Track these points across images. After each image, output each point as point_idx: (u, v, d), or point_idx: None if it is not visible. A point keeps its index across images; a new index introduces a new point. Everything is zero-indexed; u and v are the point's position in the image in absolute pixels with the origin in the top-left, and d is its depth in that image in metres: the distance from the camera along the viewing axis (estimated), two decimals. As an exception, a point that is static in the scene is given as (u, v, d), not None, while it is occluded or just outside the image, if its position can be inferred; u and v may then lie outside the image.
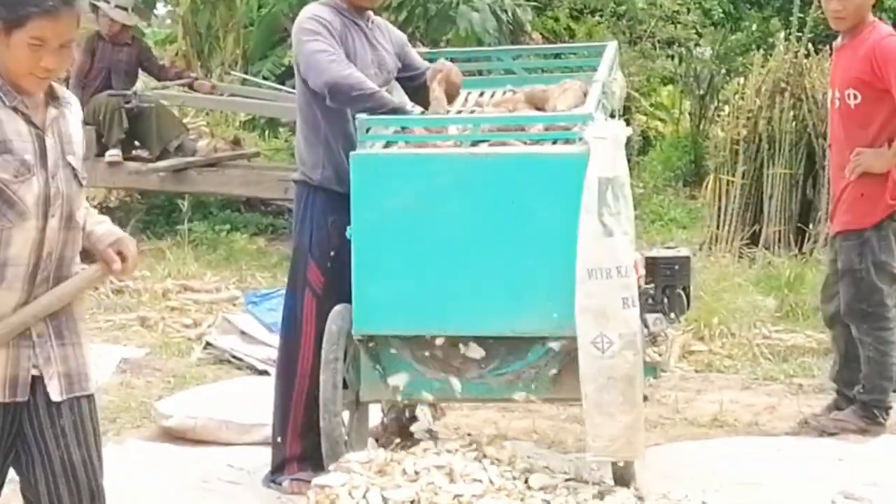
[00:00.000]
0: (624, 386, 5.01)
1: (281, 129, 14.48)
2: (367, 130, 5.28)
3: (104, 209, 12.86)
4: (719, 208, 11.24)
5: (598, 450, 5.09)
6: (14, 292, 3.62)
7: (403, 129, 5.44)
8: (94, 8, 12.10)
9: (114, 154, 11.76)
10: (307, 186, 5.62)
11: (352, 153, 5.23)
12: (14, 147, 3.60)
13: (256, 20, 14.23)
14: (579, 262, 4.98)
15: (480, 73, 6.41)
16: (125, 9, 12.12)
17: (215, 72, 14.92)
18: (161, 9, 16.49)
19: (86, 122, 11.77)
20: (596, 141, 5.02)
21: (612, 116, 5.68)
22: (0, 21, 3.54)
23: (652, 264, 5.66)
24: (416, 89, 5.79)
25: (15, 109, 3.62)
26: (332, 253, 5.44)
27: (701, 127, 16.06)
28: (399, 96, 5.73)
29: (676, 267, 5.70)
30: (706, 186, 11.73)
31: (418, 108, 5.65)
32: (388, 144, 5.38)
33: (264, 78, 12.72)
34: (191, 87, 12.44)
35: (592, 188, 4.96)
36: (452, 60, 6.38)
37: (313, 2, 5.72)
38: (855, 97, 6.37)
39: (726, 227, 11.06)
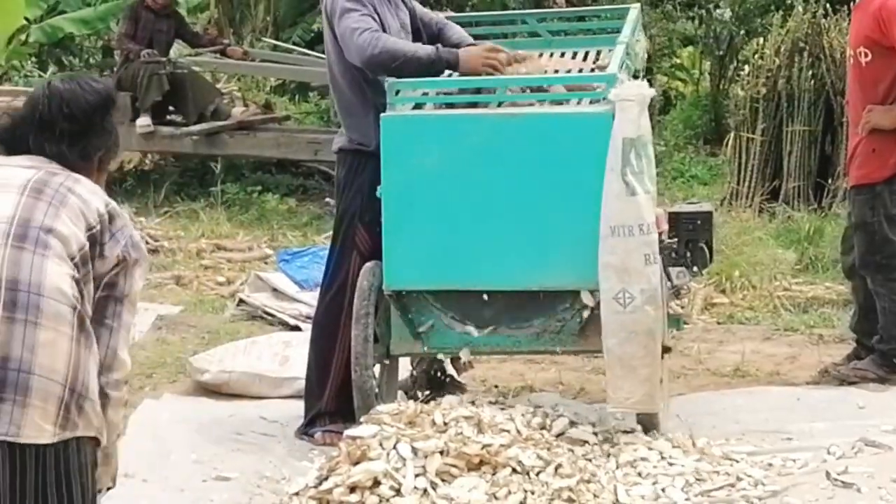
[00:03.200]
0: (645, 340, 5.13)
1: (311, 94, 14.59)
2: (397, 93, 5.40)
3: (139, 172, 13.07)
4: (740, 165, 11.27)
5: (619, 402, 5.22)
6: None
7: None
8: None
9: (145, 124, 11.94)
10: (359, 154, 5.65)
11: (382, 115, 5.36)
12: None
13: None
14: (603, 219, 5.10)
15: (506, 36, 6.50)
16: None
17: (246, 39, 15.05)
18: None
19: (121, 88, 12.14)
20: (621, 102, 5.11)
21: (636, 77, 5.79)
22: None
23: (675, 219, 5.76)
24: (429, 41, 5.89)
25: None
26: (381, 219, 5.46)
27: (721, 87, 16.06)
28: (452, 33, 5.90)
29: (699, 221, 5.80)
30: (727, 144, 11.76)
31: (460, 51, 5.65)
32: (417, 105, 5.50)
33: (294, 44, 12.84)
34: (223, 52, 12.60)
35: (617, 148, 5.07)
36: (478, 24, 6.52)
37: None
38: (866, 55, 6.41)
39: (747, 183, 11.11)
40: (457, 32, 5.97)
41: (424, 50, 5.53)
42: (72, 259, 3.18)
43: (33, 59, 16.42)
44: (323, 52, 6.27)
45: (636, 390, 5.17)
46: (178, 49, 13.16)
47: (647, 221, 5.12)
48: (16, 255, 3.13)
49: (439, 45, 5.72)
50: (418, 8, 6.02)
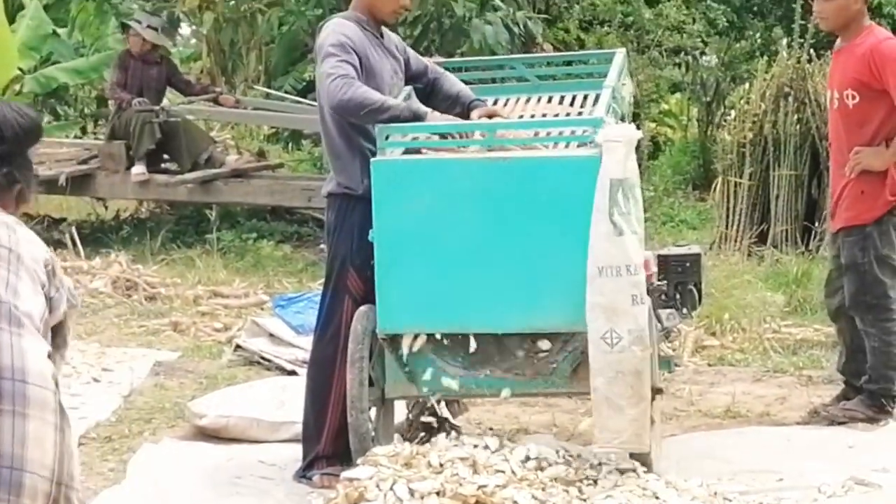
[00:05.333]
0: (633, 380, 5.14)
1: (303, 141, 14.71)
2: (387, 138, 5.47)
3: (135, 220, 13.15)
4: (728, 209, 11.40)
5: (605, 441, 5.21)
6: None
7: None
8: (125, 28, 12.46)
9: (139, 172, 12.07)
10: (347, 198, 5.70)
11: (372, 160, 5.42)
12: None
13: (277, 37, 14.46)
14: (590, 260, 5.13)
15: (494, 81, 6.59)
16: (156, 29, 12.49)
17: (238, 87, 15.17)
18: (185, 28, 16.75)
19: (115, 136, 12.26)
20: (608, 144, 5.16)
21: (622, 120, 5.85)
22: None
23: (664, 262, 5.83)
24: (425, 88, 6.00)
25: None
26: (372, 262, 5.50)
27: (708, 132, 16.22)
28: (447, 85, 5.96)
29: (688, 264, 5.87)
30: (715, 188, 11.89)
31: (429, 110, 5.71)
32: (407, 151, 5.58)
33: (286, 93, 12.95)
34: (216, 101, 12.72)
35: (604, 188, 5.11)
36: (467, 69, 6.61)
37: (335, 16, 5.93)
38: (853, 97, 6.46)
39: (735, 227, 11.23)
40: (453, 84, 6.02)
41: (394, 102, 5.58)
42: (39, 330, 2.98)
43: (28, 108, 16.48)
44: (314, 101, 6.34)
45: (624, 430, 5.17)
46: (169, 98, 13.28)
47: (634, 262, 5.14)
48: None
49: (411, 99, 5.80)
50: (413, 56, 6.09)
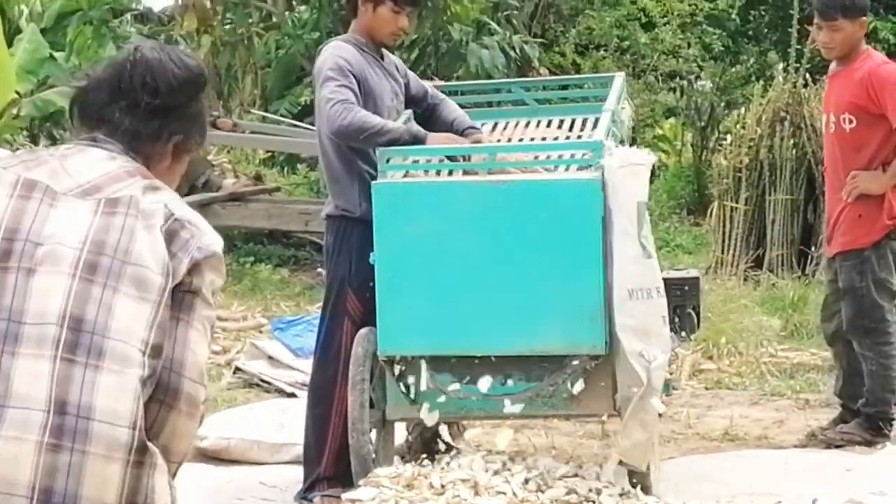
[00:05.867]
0: (656, 398, 5.24)
1: (300, 165, 14.74)
2: (388, 161, 5.50)
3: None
4: (724, 233, 11.44)
5: (625, 451, 5.28)
6: None
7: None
8: None
9: None
10: (345, 220, 5.72)
11: (373, 182, 5.44)
12: None
13: (274, 61, 14.50)
14: (618, 282, 5.15)
15: (490, 104, 6.62)
16: None
17: (234, 111, 15.20)
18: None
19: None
20: (633, 167, 5.22)
21: (622, 143, 5.88)
22: None
23: (663, 285, 5.88)
24: (424, 113, 6.03)
25: None
26: (370, 284, 5.51)
27: (703, 157, 16.28)
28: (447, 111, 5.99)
29: (686, 287, 5.89)
30: (711, 213, 11.92)
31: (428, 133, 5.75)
32: (407, 173, 5.60)
33: (282, 116, 12.99)
34: (213, 125, 12.72)
35: (632, 212, 5.15)
36: (462, 93, 6.63)
37: (334, 39, 5.97)
38: (850, 121, 6.50)
39: (731, 252, 11.27)
40: (452, 111, 6.05)
41: (394, 125, 5.61)
42: (141, 343, 2.60)
43: (25, 132, 16.54)
44: (311, 125, 6.36)
45: (642, 443, 5.25)
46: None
47: (660, 284, 5.21)
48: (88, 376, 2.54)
49: (410, 122, 5.82)
50: (414, 79, 6.11)
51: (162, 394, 2.62)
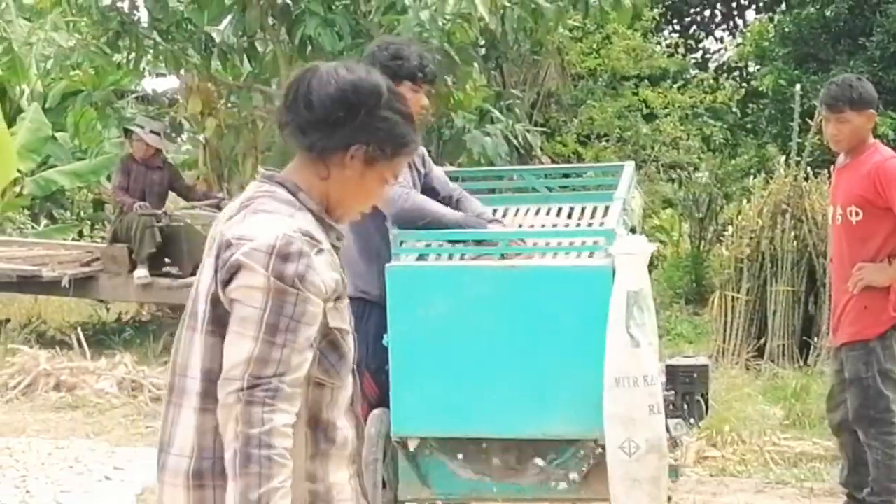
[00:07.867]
0: (650, 488, 5.20)
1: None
2: (401, 244, 5.56)
3: (137, 323, 13.17)
4: (725, 323, 11.49)
5: None
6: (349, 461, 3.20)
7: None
8: (128, 132, 12.63)
9: (142, 276, 12.17)
10: (362, 302, 5.69)
11: (387, 266, 5.49)
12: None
13: (275, 145, 14.58)
14: (607, 370, 5.19)
15: (492, 191, 6.67)
16: (158, 134, 12.69)
17: (235, 194, 15.28)
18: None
19: (117, 240, 12.33)
20: (624, 257, 5.26)
21: (633, 231, 5.96)
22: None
23: (672, 372, 5.84)
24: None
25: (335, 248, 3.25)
26: (386, 367, 5.51)
27: (700, 248, 16.37)
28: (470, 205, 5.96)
29: (695, 375, 5.87)
30: (712, 302, 11.97)
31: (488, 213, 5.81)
32: (421, 256, 5.66)
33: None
34: (218, 207, 12.83)
35: (621, 301, 5.18)
36: (474, 179, 6.69)
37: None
38: (857, 214, 6.56)
39: (733, 341, 11.31)
40: (473, 207, 6.01)
41: (453, 214, 5.65)
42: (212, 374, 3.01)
43: (26, 210, 16.60)
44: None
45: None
46: (172, 203, 13.41)
47: (650, 373, 5.21)
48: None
49: (468, 213, 5.83)
50: (439, 174, 6.08)
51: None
